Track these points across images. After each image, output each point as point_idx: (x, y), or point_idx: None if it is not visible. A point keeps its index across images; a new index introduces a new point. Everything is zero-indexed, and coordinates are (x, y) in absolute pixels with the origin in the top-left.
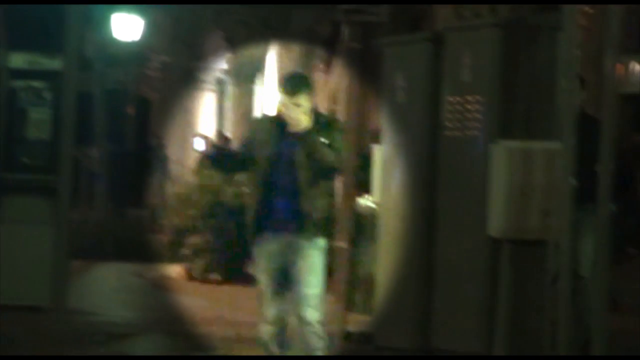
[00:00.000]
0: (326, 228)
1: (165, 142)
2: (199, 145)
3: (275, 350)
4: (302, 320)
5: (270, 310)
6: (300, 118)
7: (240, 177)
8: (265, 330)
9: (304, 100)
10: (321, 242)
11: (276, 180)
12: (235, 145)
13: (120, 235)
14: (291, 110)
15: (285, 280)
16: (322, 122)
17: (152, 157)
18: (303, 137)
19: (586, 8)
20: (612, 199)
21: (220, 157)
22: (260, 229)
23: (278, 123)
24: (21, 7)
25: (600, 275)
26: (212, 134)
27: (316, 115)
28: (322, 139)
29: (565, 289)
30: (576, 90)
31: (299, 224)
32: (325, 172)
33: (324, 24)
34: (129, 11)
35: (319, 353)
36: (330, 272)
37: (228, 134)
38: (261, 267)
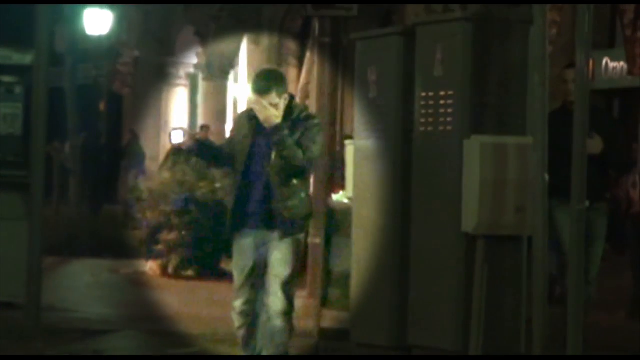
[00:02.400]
0: (300, 226)
1: (139, 137)
2: (177, 138)
3: (246, 338)
4: (268, 313)
5: (239, 302)
6: (272, 116)
7: (214, 173)
8: (236, 319)
9: (275, 98)
10: (294, 238)
11: (250, 178)
12: (213, 134)
13: (94, 231)
14: (262, 108)
15: (257, 275)
16: (300, 119)
17: (126, 152)
18: (274, 135)
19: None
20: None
21: (202, 149)
22: (236, 226)
23: (252, 120)
24: None
25: (576, 270)
26: (186, 127)
27: (293, 109)
28: (294, 137)
29: (541, 286)
30: (547, 85)
31: (271, 223)
32: (297, 172)
33: (295, 19)
34: (100, 6)
35: (282, 347)
36: (304, 267)
37: (205, 123)
38: (234, 262)
